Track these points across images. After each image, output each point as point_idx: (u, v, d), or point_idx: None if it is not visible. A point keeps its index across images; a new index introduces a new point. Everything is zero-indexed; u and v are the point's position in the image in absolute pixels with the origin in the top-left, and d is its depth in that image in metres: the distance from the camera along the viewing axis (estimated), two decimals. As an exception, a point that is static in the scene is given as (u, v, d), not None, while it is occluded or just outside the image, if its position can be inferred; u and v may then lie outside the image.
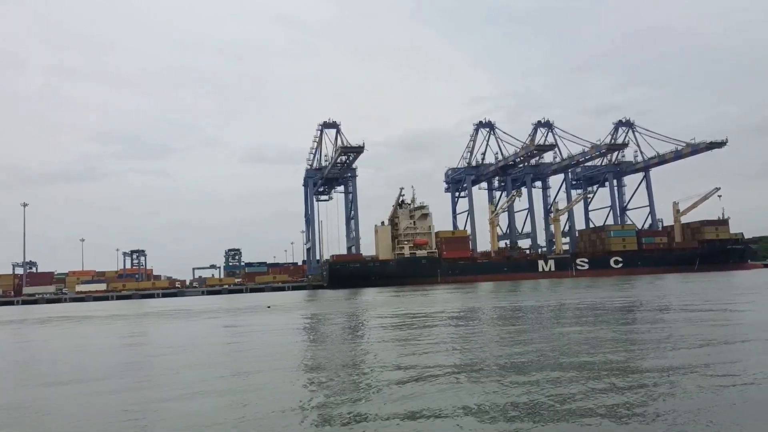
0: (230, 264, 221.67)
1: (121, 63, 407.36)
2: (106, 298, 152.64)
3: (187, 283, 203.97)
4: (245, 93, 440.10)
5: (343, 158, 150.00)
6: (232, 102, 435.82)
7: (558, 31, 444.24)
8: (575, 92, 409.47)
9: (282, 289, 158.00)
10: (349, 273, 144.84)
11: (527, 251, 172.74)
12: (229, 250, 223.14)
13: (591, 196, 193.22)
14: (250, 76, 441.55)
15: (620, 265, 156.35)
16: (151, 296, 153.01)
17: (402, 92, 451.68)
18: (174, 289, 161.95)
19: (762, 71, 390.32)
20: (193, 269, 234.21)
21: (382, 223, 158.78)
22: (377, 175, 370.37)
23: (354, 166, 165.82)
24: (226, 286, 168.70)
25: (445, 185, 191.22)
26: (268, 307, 61.18)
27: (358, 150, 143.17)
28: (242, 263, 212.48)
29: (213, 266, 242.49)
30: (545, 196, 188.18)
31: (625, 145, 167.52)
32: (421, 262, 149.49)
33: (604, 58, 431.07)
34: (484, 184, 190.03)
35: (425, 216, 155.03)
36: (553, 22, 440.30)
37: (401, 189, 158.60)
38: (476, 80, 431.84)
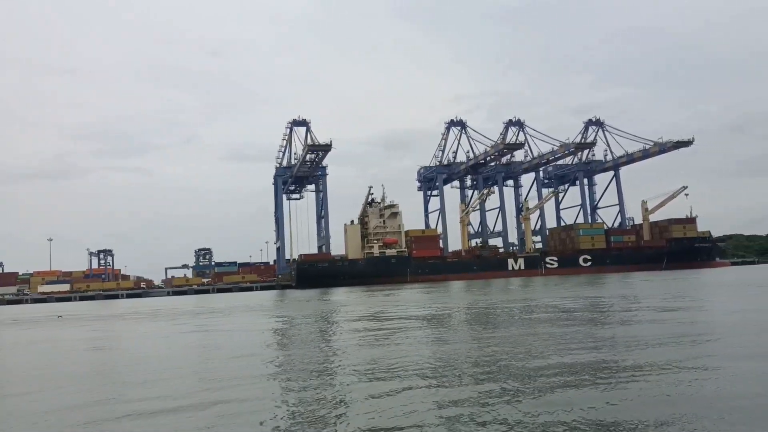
0: (200, 264, 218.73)
1: (100, 59, 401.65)
2: (69, 299, 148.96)
3: (157, 283, 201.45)
4: (227, 90, 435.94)
5: (312, 156, 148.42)
6: (213, 99, 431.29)
7: (540, 30, 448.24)
8: (556, 91, 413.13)
9: (250, 289, 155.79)
10: (317, 272, 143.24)
11: (501, 250, 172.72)
12: (200, 250, 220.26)
13: (562, 194, 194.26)
14: (231, 73, 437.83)
15: (589, 263, 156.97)
16: (116, 297, 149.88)
17: (384, 90, 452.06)
18: (139, 289, 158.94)
19: (740, 70, 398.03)
20: (166, 269, 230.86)
21: (352, 222, 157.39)
22: (360, 173, 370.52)
23: (324, 164, 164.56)
24: (195, 286, 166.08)
25: (418, 184, 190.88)
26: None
27: (326, 148, 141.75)
28: (212, 263, 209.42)
29: (185, 266, 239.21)
30: (517, 195, 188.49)
31: (593, 143, 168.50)
32: (391, 261, 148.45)
33: (584, 58, 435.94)
34: (457, 183, 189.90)
35: (395, 215, 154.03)
36: (536, 21, 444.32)
37: (370, 188, 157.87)
38: (459, 79, 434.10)
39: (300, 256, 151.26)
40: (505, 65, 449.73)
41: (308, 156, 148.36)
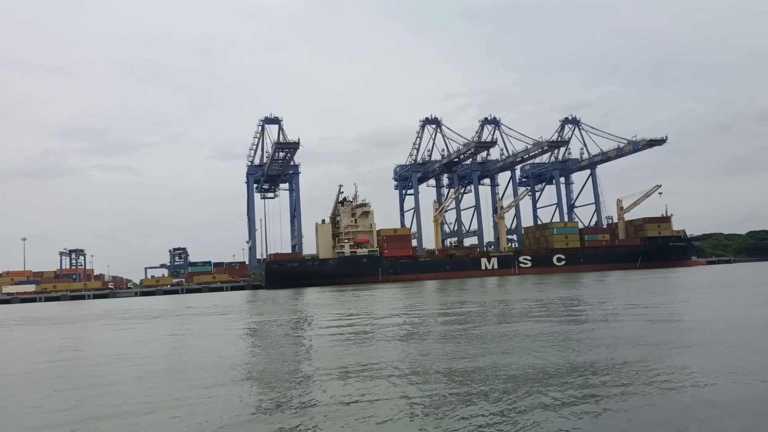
0: (176, 263, 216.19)
1: (87, 57, 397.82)
2: (34, 300, 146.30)
3: (137, 283, 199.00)
4: (214, 89, 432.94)
5: (282, 154, 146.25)
6: (200, 98, 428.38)
7: (528, 30, 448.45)
8: (545, 89, 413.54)
9: (220, 289, 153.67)
10: (287, 273, 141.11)
11: (478, 249, 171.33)
12: (175, 249, 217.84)
13: (538, 193, 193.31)
14: (219, 71, 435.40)
15: (563, 262, 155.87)
16: (82, 297, 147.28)
17: (374, 89, 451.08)
18: (106, 290, 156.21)
19: (727, 70, 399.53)
20: (146, 269, 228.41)
21: (323, 221, 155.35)
22: (349, 171, 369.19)
23: (297, 162, 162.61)
24: (167, 287, 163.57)
25: (394, 182, 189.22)
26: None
27: (294, 146, 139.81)
28: (186, 263, 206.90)
29: (164, 265, 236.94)
30: (494, 194, 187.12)
31: (565, 142, 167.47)
32: (362, 260, 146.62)
33: (573, 57, 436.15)
34: (433, 182, 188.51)
35: (366, 214, 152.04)
36: (523, 21, 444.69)
37: (340, 186, 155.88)
38: (448, 77, 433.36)
39: (269, 255, 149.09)
40: (494, 64, 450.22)
41: (278, 154, 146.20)
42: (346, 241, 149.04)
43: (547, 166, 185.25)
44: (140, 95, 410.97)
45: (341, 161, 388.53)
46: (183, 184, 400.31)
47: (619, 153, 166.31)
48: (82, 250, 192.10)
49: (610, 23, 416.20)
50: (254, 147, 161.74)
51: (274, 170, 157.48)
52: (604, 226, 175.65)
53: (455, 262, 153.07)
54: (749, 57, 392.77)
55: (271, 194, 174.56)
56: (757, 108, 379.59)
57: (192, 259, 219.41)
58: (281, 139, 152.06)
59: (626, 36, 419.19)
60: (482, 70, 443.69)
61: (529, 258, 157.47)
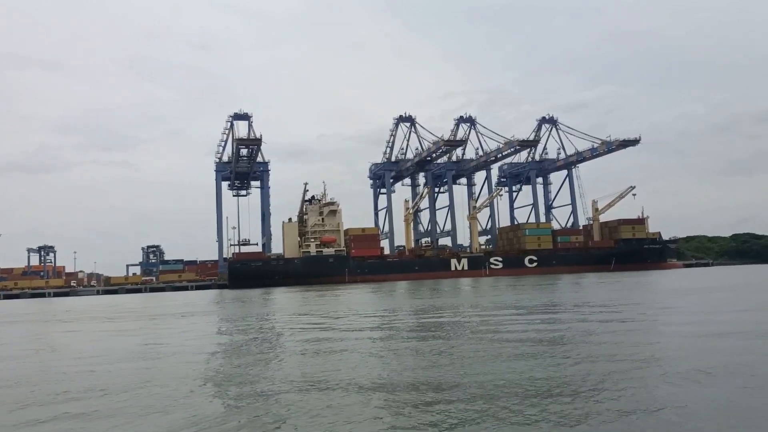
0: (150, 261, 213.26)
1: (84, 53, 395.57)
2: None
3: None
4: (210, 85, 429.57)
5: (245, 151, 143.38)
6: (197, 94, 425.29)
7: (528, 29, 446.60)
8: (545, 89, 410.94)
9: (185, 288, 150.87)
10: (250, 272, 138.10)
11: (448, 250, 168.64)
12: (149, 247, 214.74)
13: (516, 193, 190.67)
14: (216, 67, 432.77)
15: (535, 264, 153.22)
16: (42, 295, 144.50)
17: (373, 87, 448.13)
18: (67, 288, 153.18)
19: (727, 72, 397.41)
20: (127, 266, 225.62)
21: (290, 219, 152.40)
22: (347, 169, 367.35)
23: (266, 160, 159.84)
24: (134, 285, 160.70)
25: (370, 181, 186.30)
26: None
27: (256, 142, 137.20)
28: (158, 261, 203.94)
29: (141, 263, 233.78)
30: (470, 194, 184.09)
31: (536, 141, 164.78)
32: (329, 260, 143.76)
33: (572, 57, 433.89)
34: (409, 181, 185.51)
35: (334, 213, 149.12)
36: (524, 20, 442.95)
37: (305, 184, 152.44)
38: (448, 76, 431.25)
39: (233, 254, 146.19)
40: (494, 63, 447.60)
41: (242, 151, 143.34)
42: (312, 240, 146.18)
43: (524, 166, 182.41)
44: (137, 91, 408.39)
45: (340, 159, 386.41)
46: (178, 180, 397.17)
47: (593, 153, 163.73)
48: (51, 247, 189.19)
49: (610, 24, 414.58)
50: (222, 143, 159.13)
51: (243, 167, 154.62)
52: (580, 228, 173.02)
53: (424, 263, 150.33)
54: (749, 59, 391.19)
55: (244, 192, 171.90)
56: (756, 110, 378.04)
57: (170, 256, 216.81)
58: (251, 136, 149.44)
59: (626, 37, 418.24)
60: (482, 69, 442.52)
61: (500, 259, 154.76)
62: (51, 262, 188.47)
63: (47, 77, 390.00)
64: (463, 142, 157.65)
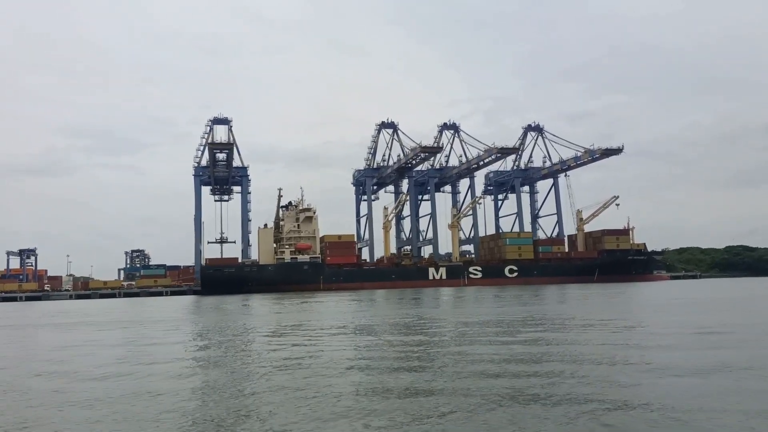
0: (135, 265, 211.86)
1: (94, 57, 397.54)
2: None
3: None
4: (217, 90, 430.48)
5: (221, 155, 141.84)
6: (204, 99, 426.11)
7: (533, 37, 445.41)
8: (550, 97, 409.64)
9: (160, 293, 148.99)
10: (223, 278, 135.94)
11: (425, 258, 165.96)
12: (134, 251, 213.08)
13: (501, 202, 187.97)
14: (223, 73, 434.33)
15: (515, 274, 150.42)
16: (14, 299, 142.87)
17: (378, 94, 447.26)
18: (40, 292, 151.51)
19: (734, 83, 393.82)
20: (119, 270, 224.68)
21: (265, 225, 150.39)
22: (350, 175, 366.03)
23: (245, 165, 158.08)
24: (111, 289, 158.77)
25: (353, 188, 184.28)
26: None
27: (226, 146, 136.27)
28: (140, 265, 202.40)
29: (127, 268, 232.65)
30: (455, 202, 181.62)
31: (516, 149, 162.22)
32: (303, 267, 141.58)
33: (581, 67, 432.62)
34: (392, 188, 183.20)
35: (310, 219, 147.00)
36: (529, 29, 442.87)
37: (279, 189, 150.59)
38: (453, 84, 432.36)
39: (206, 260, 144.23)
40: (499, 71, 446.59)
41: (218, 155, 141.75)
42: (287, 246, 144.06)
43: (509, 174, 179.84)
44: (144, 95, 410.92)
45: (344, 165, 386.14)
46: (184, 185, 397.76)
47: (577, 161, 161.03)
48: (33, 250, 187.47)
49: (617, 34, 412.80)
50: (202, 147, 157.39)
51: (221, 172, 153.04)
52: (563, 238, 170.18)
53: (401, 272, 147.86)
54: (757, 70, 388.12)
55: (226, 197, 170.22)
56: (764, 121, 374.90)
57: (158, 261, 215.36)
58: (230, 140, 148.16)
59: (632, 47, 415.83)
60: (487, 76, 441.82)
61: (479, 269, 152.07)
62: (31, 266, 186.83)
63: (55, 81, 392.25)
64: (440, 149, 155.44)
